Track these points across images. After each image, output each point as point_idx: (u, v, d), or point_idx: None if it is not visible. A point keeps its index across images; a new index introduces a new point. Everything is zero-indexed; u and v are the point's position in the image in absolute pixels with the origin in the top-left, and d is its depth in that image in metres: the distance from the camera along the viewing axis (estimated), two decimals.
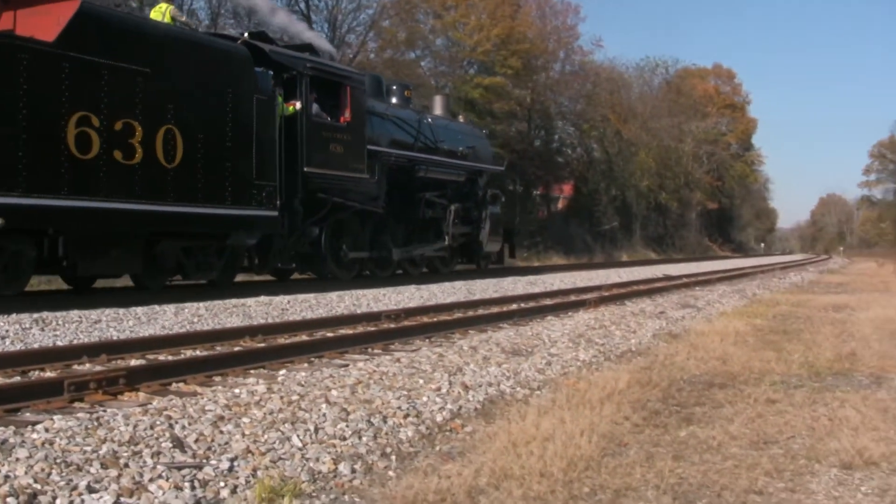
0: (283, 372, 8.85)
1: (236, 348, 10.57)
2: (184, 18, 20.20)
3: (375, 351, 10.90)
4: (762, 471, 5.88)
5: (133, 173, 15.55)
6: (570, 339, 12.17)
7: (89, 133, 14.75)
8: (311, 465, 5.77)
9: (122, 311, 13.56)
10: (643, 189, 78.03)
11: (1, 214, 13.32)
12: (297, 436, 6.25)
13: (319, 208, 20.94)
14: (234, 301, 15.80)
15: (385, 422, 6.91)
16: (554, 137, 67.14)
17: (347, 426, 6.63)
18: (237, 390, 7.57)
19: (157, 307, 14.26)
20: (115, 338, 11.35)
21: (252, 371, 9.07)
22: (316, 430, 6.46)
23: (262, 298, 16.40)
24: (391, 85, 26.67)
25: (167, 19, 18.54)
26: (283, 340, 11.49)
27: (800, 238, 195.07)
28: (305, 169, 20.02)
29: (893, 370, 10.23)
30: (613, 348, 11.87)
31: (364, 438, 6.45)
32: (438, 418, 7.29)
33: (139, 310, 13.81)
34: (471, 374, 9.05)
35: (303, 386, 7.90)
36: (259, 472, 5.49)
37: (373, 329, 12.53)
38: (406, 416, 7.16)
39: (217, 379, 8.59)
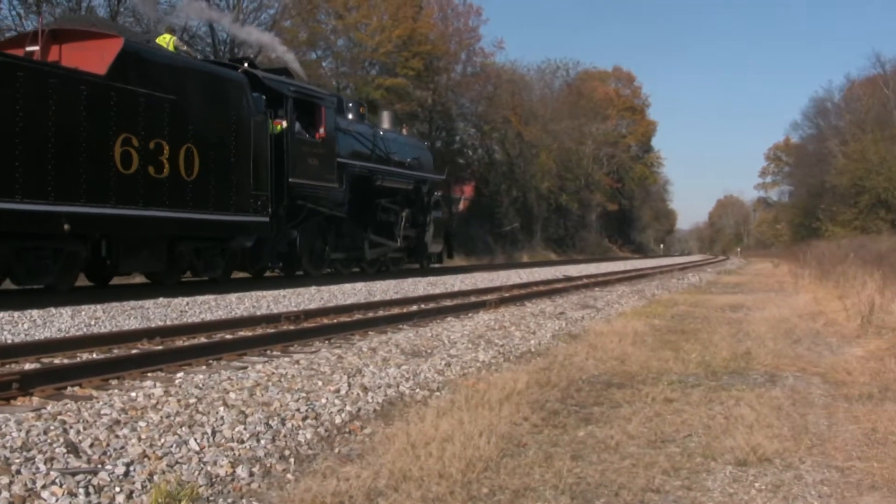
0: (180, 375, 8.76)
1: (133, 351, 10.46)
2: (185, 48, 22.78)
3: (274, 353, 10.85)
4: (659, 469, 5.96)
5: (162, 185, 18.30)
6: (469, 340, 12.20)
7: (131, 152, 17.47)
8: (209, 468, 5.72)
9: (17, 313, 13.33)
10: (544, 191, 78.48)
11: (68, 221, 15.89)
12: (195, 439, 6.19)
13: (297, 214, 23.80)
14: (132, 303, 15.61)
15: (283, 424, 6.88)
16: (455, 139, 67.23)
17: (245, 429, 6.58)
18: (134, 394, 7.48)
19: (53, 310, 14.05)
20: (8, 341, 11.15)
21: (149, 374, 8.97)
22: (213, 433, 6.41)
23: (161, 300, 16.23)
24: (347, 102, 29.21)
25: (170, 48, 20.61)
26: (181, 343, 11.37)
27: (699, 239, 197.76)
28: (290, 180, 22.93)
29: (787, 368, 10.43)
30: (513, 349, 11.91)
31: (262, 441, 6.41)
32: (337, 420, 7.27)
33: (35, 312, 13.59)
34: (370, 375, 9.03)
35: (200, 389, 7.83)
36: (155, 477, 5.43)
37: (272, 331, 12.46)
38: (305, 418, 7.13)
39: (114, 382, 8.49)
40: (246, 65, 23.14)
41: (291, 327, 13.02)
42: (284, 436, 6.63)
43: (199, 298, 16.93)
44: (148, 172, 17.84)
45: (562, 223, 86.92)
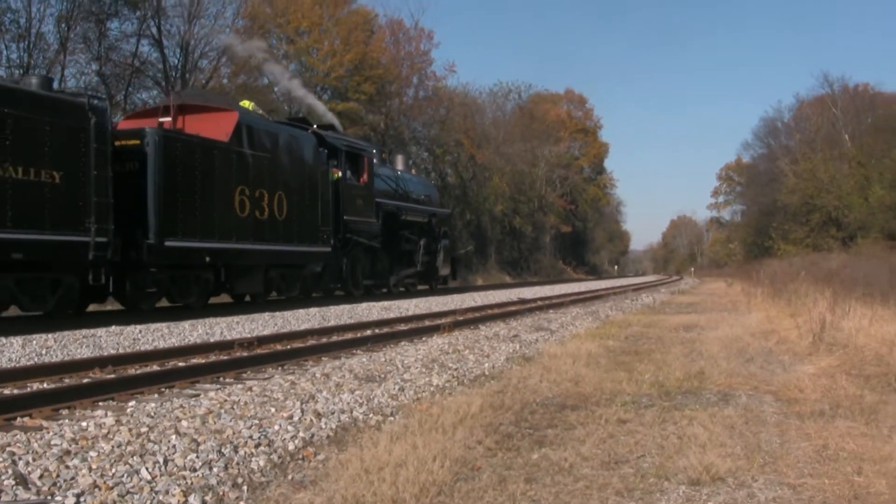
0: (132, 403, 8.70)
1: (85, 380, 10.36)
2: (261, 112, 27.69)
3: (227, 380, 10.81)
4: (613, 490, 5.97)
5: (264, 224, 23.88)
6: (423, 364, 12.18)
7: (244, 199, 22.96)
8: (161, 498, 5.68)
9: None
10: (497, 213, 78.60)
11: (207, 254, 21.52)
12: (146, 468, 6.15)
13: (346, 244, 29.10)
14: (84, 331, 15.50)
15: (236, 451, 6.84)
16: (408, 162, 67.30)
17: (198, 457, 6.54)
18: (84, 423, 7.41)
19: (3, 339, 13.93)
20: None
21: (101, 403, 8.92)
22: (165, 461, 6.36)
23: (114, 328, 16.12)
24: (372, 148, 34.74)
25: (250, 109, 25.92)
26: (133, 371, 11.32)
27: (653, 259, 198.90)
28: (345, 217, 28.60)
29: (740, 387, 10.48)
30: (467, 372, 11.90)
31: (215, 469, 6.37)
32: (290, 447, 7.24)
33: None
34: (323, 401, 9.00)
35: (152, 417, 7.77)
36: None
37: (225, 358, 12.42)
38: (257, 445, 7.09)
39: (64, 412, 8.42)
40: (315, 126, 29.46)
41: (244, 354, 12.97)
42: (237, 463, 6.60)
43: (153, 326, 16.83)
44: (255, 215, 23.43)
45: (516, 245, 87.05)
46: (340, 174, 28.52)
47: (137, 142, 19.93)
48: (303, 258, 26.43)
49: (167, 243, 20.02)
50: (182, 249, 20.64)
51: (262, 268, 24.53)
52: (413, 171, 40.96)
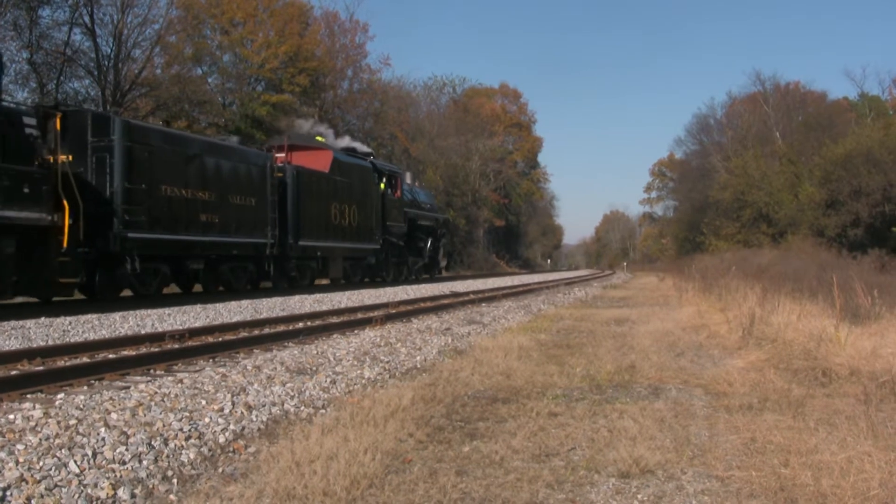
0: (61, 396, 8.60)
1: (13, 372, 10.25)
2: (324, 140, 38.05)
3: (158, 372, 10.74)
4: (543, 483, 5.99)
5: (345, 229, 34.45)
6: (355, 356, 12.16)
7: (335, 212, 33.35)
8: (89, 491, 5.63)
9: None
10: None
11: (319, 250, 32.10)
12: (75, 461, 6.08)
13: (384, 243, 39.04)
14: (13, 323, 15.32)
15: (166, 444, 6.79)
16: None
17: (127, 450, 6.48)
18: (12, 416, 7.31)
19: None
20: None
21: (29, 395, 8.82)
22: (94, 454, 6.29)
23: (43, 320, 15.95)
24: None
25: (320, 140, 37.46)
26: (62, 363, 11.20)
27: (585, 254, 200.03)
28: (387, 223, 39.15)
29: (670, 381, 10.55)
30: (399, 365, 11.89)
31: (144, 462, 6.32)
32: (221, 439, 7.20)
33: None
34: (254, 393, 8.96)
35: (81, 410, 7.69)
36: (33, 502, 5.34)
37: (156, 350, 12.32)
38: (188, 437, 7.05)
39: None
40: (371, 158, 39.82)
41: (175, 346, 12.88)
42: (167, 456, 6.55)
43: (83, 318, 16.66)
44: (340, 223, 33.97)
45: (449, 239, 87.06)
46: (384, 191, 38.81)
47: (281, 174, 30.02)
48: (364, 252, 37.21)
49: (300, 242, 30.69)
50: (307, 247, 31.37)
51: (342, 259, 35.12)
52: (417, 184, 52.13)
